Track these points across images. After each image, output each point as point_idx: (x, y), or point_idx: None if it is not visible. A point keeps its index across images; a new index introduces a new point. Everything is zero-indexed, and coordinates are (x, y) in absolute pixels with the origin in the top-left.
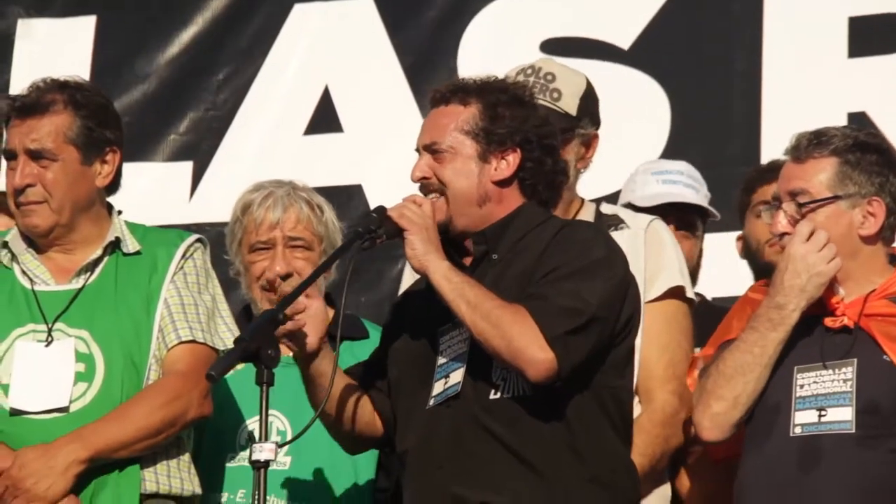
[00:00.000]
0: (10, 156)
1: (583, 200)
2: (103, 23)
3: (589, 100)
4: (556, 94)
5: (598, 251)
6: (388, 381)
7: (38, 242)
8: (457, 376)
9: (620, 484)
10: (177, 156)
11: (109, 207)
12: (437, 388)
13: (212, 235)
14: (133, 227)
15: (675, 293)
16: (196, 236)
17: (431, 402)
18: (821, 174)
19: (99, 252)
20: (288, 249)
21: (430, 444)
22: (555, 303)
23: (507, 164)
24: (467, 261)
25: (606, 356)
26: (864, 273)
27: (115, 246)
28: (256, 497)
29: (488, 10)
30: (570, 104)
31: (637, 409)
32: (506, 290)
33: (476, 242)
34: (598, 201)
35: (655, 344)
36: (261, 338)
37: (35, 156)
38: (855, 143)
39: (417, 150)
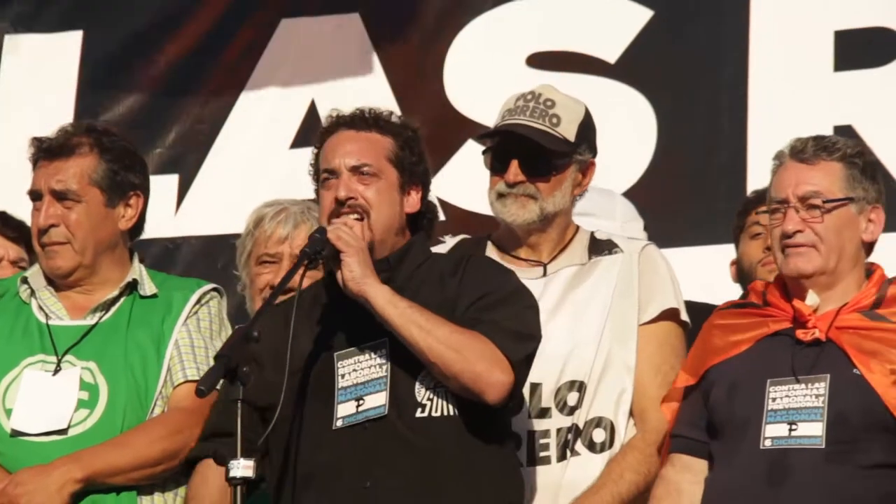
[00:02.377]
0: (36, 196)
1: (577, 227)
2: (90, 38)
3: (587, 128)
4: (554, 120)
5: (515, 280)
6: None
7: (58, 283)
8: (377, 399)
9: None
10: (163, 169)
11: (132, 252)
12: (346, 409)
13: (197, 248)
14: (153, 274)
15: (669, 315)
16: (213, 285)
17: (339, 423)
18: (832, 176)
19: (116, 292)
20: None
21: (348, 463)
22: (506, 328)
23: (414, 199)
24: None
25: None
26: (851, 280)
27: (132, 287)
28: None
29: (475, 25)
30: (568, 130)
31: (633, 431)
32: None
33: (380, 269)
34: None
35: (649, 365)
36: (237, 355)
37: (60, 196)
38: (858, 150)
39: (332, 170)
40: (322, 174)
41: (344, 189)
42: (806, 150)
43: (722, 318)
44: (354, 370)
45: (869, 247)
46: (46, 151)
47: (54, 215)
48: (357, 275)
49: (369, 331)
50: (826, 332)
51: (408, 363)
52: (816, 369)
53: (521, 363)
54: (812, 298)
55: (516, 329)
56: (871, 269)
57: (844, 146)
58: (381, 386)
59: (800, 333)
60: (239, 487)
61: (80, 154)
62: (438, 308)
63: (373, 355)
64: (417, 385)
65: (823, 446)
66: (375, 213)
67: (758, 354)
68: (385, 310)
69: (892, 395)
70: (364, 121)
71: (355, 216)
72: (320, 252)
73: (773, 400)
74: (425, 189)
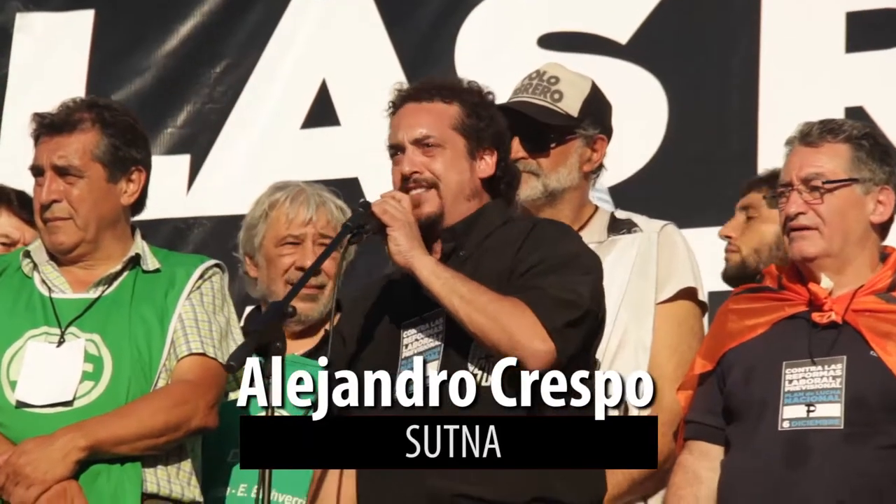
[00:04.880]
0: (38, 172)
1: (596, 207)
2: (101, 17)
3: (594, 103)
4: (556, 96)
5: (575, 246)
6: (342, 356)
7: (60, 258)
8: (429, 369)
9: (589, 471)
10: (174, 149)
11: (133, 228)
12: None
13: (208, 228)
14: (155, 251)
15: (688, 294)
16: (215, 261)
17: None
18: (836, 158)
19: (119, 266)
20: (317, 246)
21: None
22: (550, 294)
23: (487, 163)
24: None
25: (588, 351)
26: (862, 263)
27: (135, 262)
28: (261, 493)
29: (486, 4)
30: (571, 105)
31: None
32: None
33: (445, 239)
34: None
35: (665, 345)
36: (271, 330)
37: (62, 172)
38: (866, 132)
39: (397, 145)
40: (390, 151)
41: (408, 164)
42: (812, 134)
43: (737, 302)
44: (416, 340)
45: (882, 229)
46: (48, 127)
47: (56, 191)
48: (403, 248)
49: (430, 300)
50: (842, 315)
51: (462, 333)
52: (833, 352)
53: (562, 330)
54: (826, 282)
55: (560, 296)
56: (885, 253)
57: (851, 128)
58: (434, 355)
59: (816, 316)
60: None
61: (81, 129)
62: (497, 276)
63: (432, 324)
64: (470, 355)
65: (842, 427)
66: (443, 183)
67: (774, 337)
68: (429, 280)
69: None
70: (427, 91)
71: (420, 190)
72: (363, 226)
73: (790, 382)
74: (501, 152)
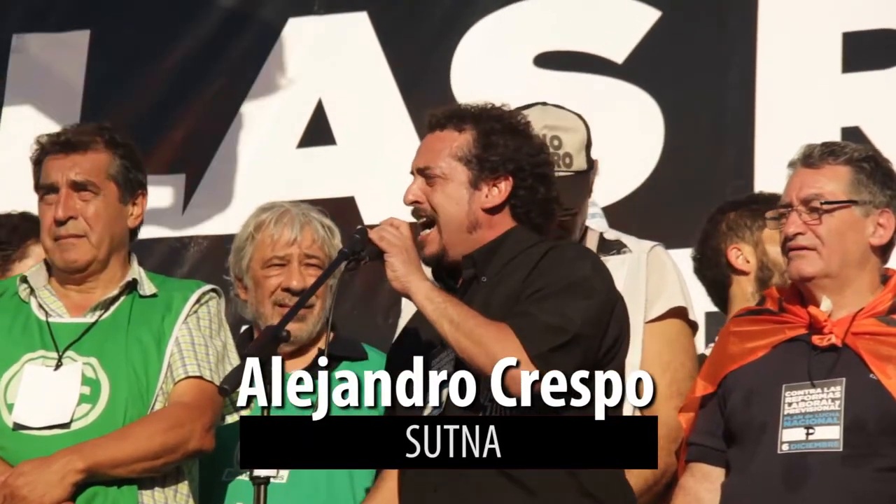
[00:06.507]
0: (50, 189)
1: (587, 228)
2: (97, 37)
3: (590, 142)
4: (567, 160)
5: (583, 270)
6: None
7: (59, 279)
8: (441, 397)
9: (614, 498)
10: (170, 168)
11: (130, 253)
12: (428, 410)
13: (204, 247)
14: (152, 276)
15: (677, 313)
16: (212, 286)
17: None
18: (836, 180)
19: (116, 291)
20: (302, 267)
21: None
22: (538, 320)
23: (499, 191)
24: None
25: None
26: (862, 286)
27: (131, 287)
28: None
29: (482, 24)
30: (580, 162)
31: None
32: (494, 311)
33: (465, 266)
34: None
35: (657, 363)
36: (266, 353)
37: (79, 188)
38: (868, 155)
39: (412, 173)
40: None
41: (409, 193)
42: (813, 156)
43: (738, 325)
44: (439, 369)
45: (882, 252)
46: (62, 145)
47: (72, 207)
48: (400, 273)
49: None
50: (842, 338)
51: None
52: (833, 374)
53: (545, 356)
54: (825, 304)
55: (548, 322)
56: (886, 275)
57: (852, 151)
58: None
59: (816, 339)
60: (262, 487)
61: (94, 149)
62: (505, 300)
63: (449, 351)
64: (481, 384)
65: (841, 449)
66: (441, 217)
67: (774, 360)
68: (423, 305)
69: None
70: (444, 119)
71: (425, 231)
72: (360, 252)
73: (790, 404)
74: (521, 178)
